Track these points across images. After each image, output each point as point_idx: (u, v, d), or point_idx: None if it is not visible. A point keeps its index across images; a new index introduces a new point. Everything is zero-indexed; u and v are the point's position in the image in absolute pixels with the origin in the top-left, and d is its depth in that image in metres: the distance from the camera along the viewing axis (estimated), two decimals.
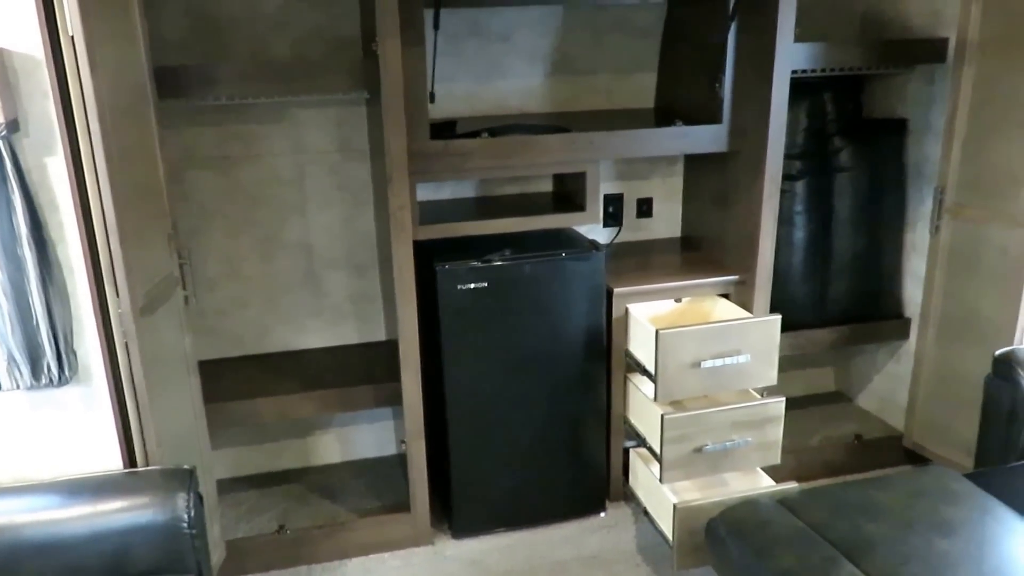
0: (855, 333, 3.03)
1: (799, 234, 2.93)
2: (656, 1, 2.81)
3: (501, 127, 2.45)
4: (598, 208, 2.58)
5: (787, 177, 2.82)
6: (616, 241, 3.04)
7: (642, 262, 2.88)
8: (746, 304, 2.68)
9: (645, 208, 3.05)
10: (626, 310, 2.62)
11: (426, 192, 2.80)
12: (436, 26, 2.22)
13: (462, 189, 2.87)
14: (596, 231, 2.98)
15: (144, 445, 1.83)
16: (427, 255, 2.45)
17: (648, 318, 2.55)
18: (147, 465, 1.85)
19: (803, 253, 2.95)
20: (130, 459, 1.85)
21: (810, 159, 2.90)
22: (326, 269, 2.83)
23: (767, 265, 2.64)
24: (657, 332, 2.36)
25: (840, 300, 3.03)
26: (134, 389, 1.79)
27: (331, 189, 2.76)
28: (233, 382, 2.63)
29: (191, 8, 2.48)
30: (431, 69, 2.32)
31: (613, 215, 3.01)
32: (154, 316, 1.89)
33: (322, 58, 2.59)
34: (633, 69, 2.91)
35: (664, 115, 2.81)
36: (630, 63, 2.90)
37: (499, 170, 2.45)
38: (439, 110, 2.61)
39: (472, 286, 2.41)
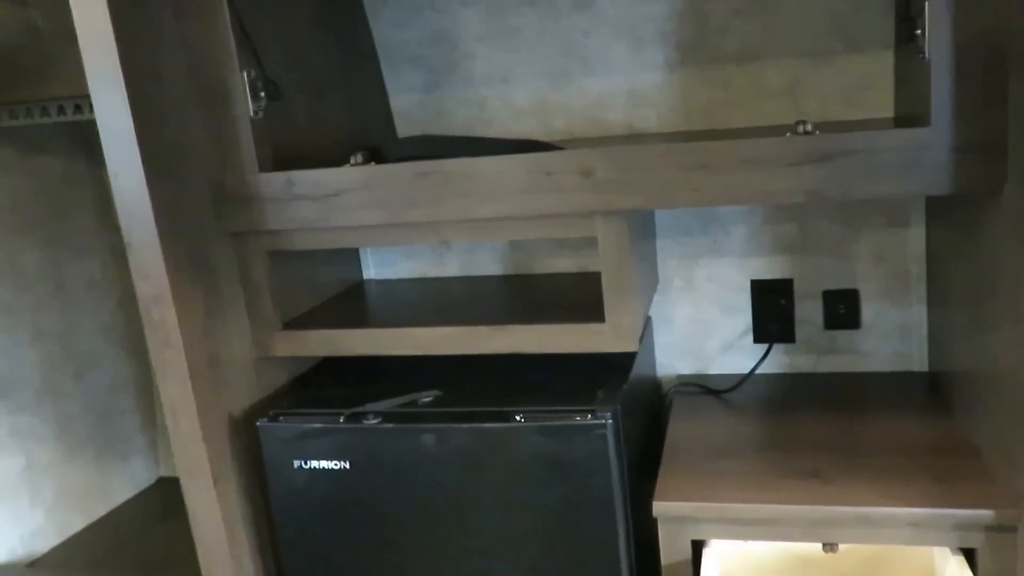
0: None
1: None
2: None
3: (408, 143, 1.24)
4: (634, 320, 1.17)
5: None
6: (775, 371, 1.55)
7: (799, 432, 1.35)
8: None
9: (844, 310, 1.50)
10: (691, 548, 1.17)
11: (417, 265, 1.67)
12: None
13: (482, 261, 1.66)
14: (742, 347, 1.55)
15: None
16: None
17: None
18: None
19: None
20: None
21: None
22: None
23: None
24: None
25: None
26: None
27: None
28: None
29: None
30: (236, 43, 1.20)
31: (772, 322, 1.53)
32: None
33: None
34: (846, 47, 1.44)
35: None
36: (838, 37, 1.43)
37: (396, 232, 1.22)
38: (494, 127, 1.54)
39: (318, 466, 1.22)
